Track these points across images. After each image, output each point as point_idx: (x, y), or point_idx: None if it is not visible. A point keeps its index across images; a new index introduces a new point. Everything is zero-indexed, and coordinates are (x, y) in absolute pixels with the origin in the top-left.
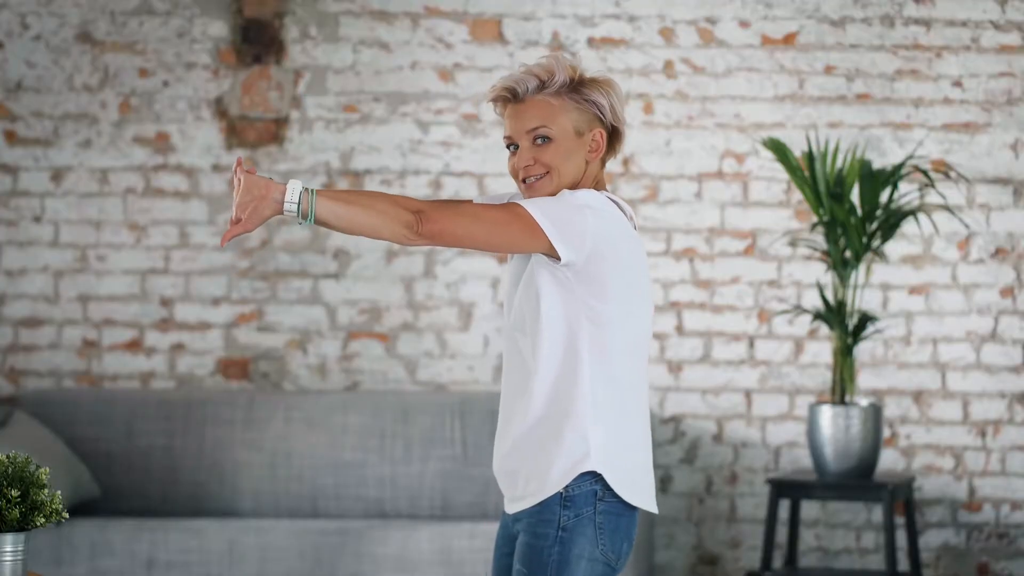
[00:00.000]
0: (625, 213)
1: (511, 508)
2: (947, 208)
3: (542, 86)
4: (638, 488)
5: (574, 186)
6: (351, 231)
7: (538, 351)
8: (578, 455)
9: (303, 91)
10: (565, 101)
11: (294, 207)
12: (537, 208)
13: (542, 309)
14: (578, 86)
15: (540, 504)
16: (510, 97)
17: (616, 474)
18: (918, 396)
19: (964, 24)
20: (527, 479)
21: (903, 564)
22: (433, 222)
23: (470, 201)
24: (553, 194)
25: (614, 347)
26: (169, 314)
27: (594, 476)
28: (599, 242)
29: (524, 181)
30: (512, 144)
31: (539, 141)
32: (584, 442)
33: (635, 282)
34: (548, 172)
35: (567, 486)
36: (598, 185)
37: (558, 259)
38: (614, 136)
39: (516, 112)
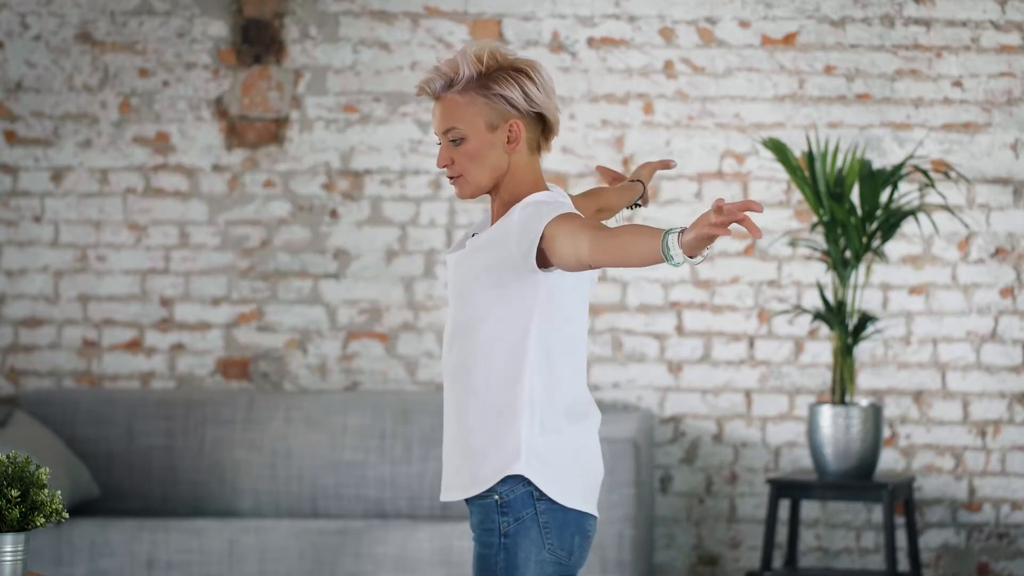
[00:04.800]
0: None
1: (444, 496)
2: (947, 208)
3: (450, 84)
4: (567, 490)
5: (498, 180)
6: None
7: (482, 345)
8: (508, 456)
9: (303, 91)
10: (474, 96)
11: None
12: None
13: (495, 304)
14: (485, 79)
15: (482, 508)
16: (429, 95)
17: (543, 476)
18: (918, 396)
19: (964, 24)
20: (458, 471)
21: (903, 564)
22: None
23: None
24: (474, 195)
25: (556, 347)
26: (169, 314)
27: (524, 478)
28: None
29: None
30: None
31: (455, 141)
32: (516, 442)
33: (578, 284)
34: (462, 175)
35: (502, 492)
36: (537, 180)
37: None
38: (544, 123)
39: (435, 110)
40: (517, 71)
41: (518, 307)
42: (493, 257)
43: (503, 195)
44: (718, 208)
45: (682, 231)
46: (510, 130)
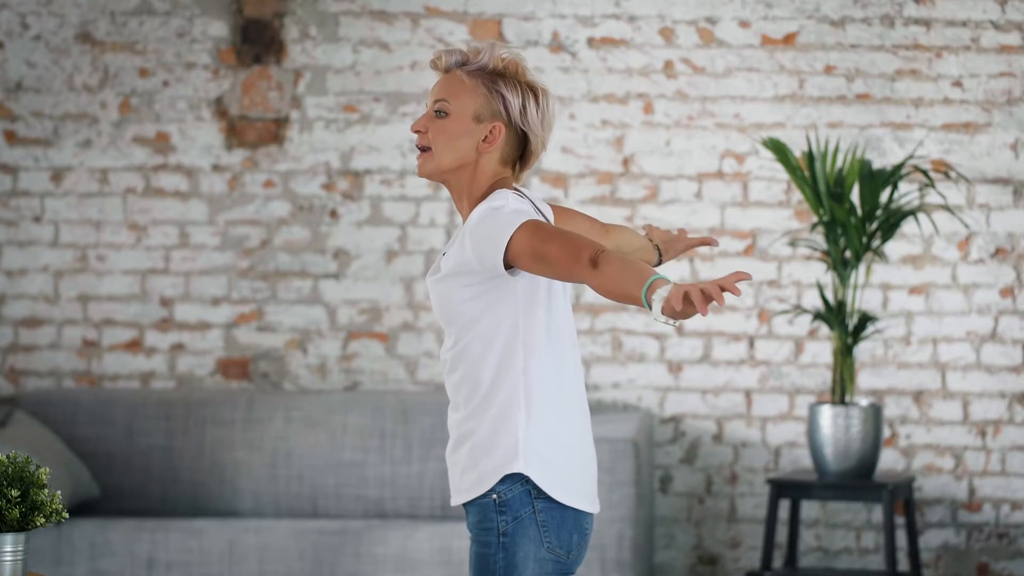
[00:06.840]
0: (536, 207)
1: (452, 500)
2: (947, 208)
3: (464, 63)
4: (569, 489)
5: (459, 171)
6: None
7: (477, 357)
8: (508, 454)
9: (303, 91)
10: (478, 84)
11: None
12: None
13: (481, 316)
14: (497, 77)
15: (479, 508)
16: (440, 67)
17: (543, 475)
18: (918, 396)
19: (964, 24)
20: (462, 472)
21: (903, 564)
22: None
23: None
24: (432, 174)
25: (544, 344)
26: (169, 314)
27: (523, 477)
28: None
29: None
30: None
31: (438, 113)
32: (514, 441)
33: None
34: (429, 150)
35: (499, 492)
36: (498, 183)
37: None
38: (527, 146)
39: (437, 83)
40: (529, 87)
41: (501, 312)
42: (467, 279)
43: (469, 199)
44: (702, 291)
45: (672, 287)
46: (491, 131)
